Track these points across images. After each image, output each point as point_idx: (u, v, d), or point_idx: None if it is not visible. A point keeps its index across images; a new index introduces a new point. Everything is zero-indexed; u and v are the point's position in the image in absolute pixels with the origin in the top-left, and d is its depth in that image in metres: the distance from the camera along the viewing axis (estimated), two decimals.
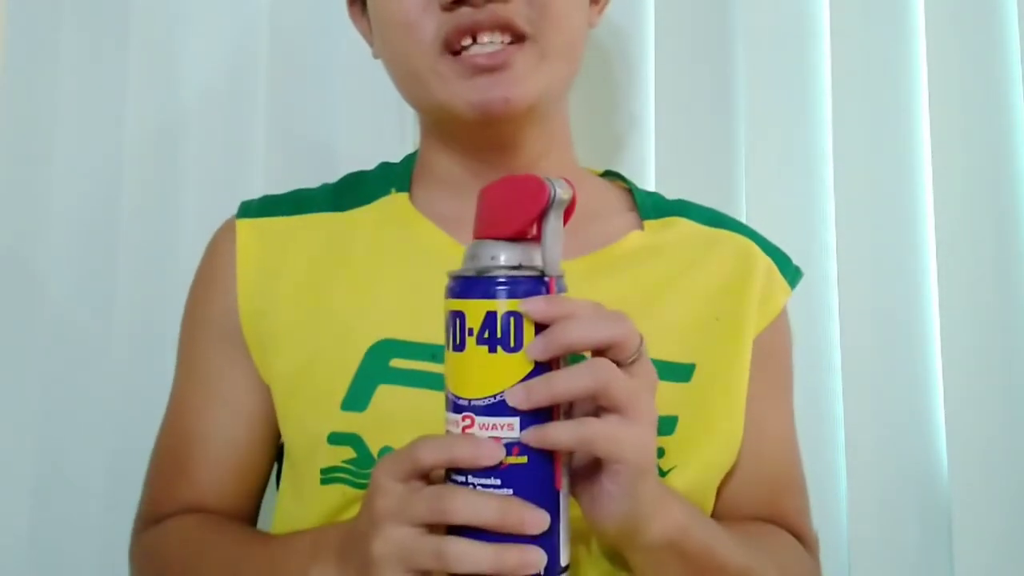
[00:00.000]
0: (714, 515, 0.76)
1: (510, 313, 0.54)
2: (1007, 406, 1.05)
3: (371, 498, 0.55)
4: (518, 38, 0.70)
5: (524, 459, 0.54)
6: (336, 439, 0.70)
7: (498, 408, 0.54)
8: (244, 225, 0.79)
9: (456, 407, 0.55)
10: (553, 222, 0.56)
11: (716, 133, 1.07)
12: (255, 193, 0.84)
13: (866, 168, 1.07)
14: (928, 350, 1.06)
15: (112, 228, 1.04)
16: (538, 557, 0.53)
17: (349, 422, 0.70)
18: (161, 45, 1.07)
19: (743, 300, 0.78)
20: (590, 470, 0.57)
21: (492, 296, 0.54)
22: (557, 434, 0.54)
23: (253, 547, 0.70)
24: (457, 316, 0.54)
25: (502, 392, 0.53)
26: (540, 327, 0.54)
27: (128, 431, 1.02)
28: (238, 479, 0.77)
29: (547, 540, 0.54)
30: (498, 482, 0.53)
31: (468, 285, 0.55)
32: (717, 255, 0.79)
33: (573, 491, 0.58)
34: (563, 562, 0.55)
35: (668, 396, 0.71)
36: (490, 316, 0.54)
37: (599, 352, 0.55)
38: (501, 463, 0.53)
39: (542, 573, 0.53)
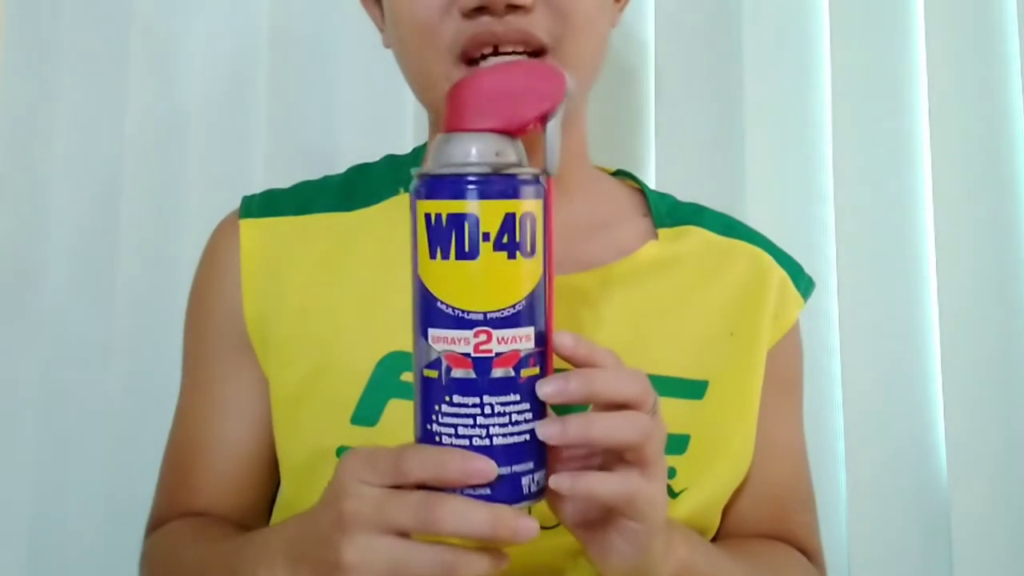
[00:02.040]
0: (722, 530, 0.76)
1: (527, 215, 0.49)
2: (1007, 414, 1.05)
3: (336, 499, 0.52)
4: (538, 51, 0.67)
5: (537, 370, 0.51)
6: None
7: (516, 318, 0.50)
8: (248, 225, 0.76)
9: (463, 323, 0.49)
10: (560, 115, 0.52)
11: (716, 141, 1.07)
12: (256, 192, 0.82)
13: (866, 177, 1.06)
14: (928, 359, 1.06)
15: (112, 228, 1.04)
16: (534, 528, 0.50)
17: (359, 437, 0.68)
18: (161, 45, 1.06)
19: (757, 314, 0.77)
20: (598, 521, 0.55)
21: (512, 196, 0.49)
22: (600, 485, 0.52)
23: (220, 546, 0.68)
24: (466, 219, 0.49)
25: (520, 301, 0.50)
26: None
27: (128, 431, 1.02)
28: (247, 488, 0.76)
29: (539, 463, 0.52)
30: (517, 398, 0.50)
31: (484, 184, 0.49)
32: (731, 268, 0.78)
33: (580, 538, 0.56)
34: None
35: (680, 414, 0.71)
36: (509, 218, 0.49)
37: (613, 406, 0.53)
38: (521, 378, 0.50)
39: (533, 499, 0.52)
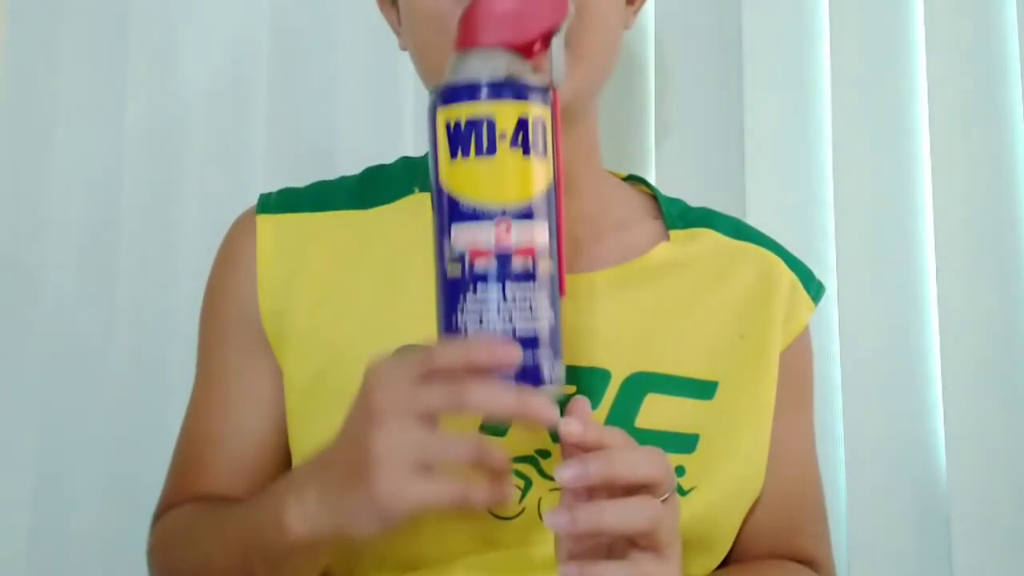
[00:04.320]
0: (737, 544, 0.76)
1: (538, 119, 0.54)
2: (1007, 418, 1.05)
3: (366, 399, 0.53)
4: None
5: (552, 264, 0.55)
6: None
7: (532, 213, 0.54)
8: (264, 221, 0.77)
9: (483, 216, 0.53)
10: (562, 34, 0.58)
11: (716, 143, 1.07)
12: (256, 193, 0.82)
13: (866, 181, 1.07)
14: (928, 363, 1.06)
15: (112, 229, 1.04)
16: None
17: None
18: (161, 45, 1.06)
19: (768, 317, 0.78)
20: None
21: (525, 99, 0.54)
22: (612, 574, 0.53)
23: (240, 502, 0.68)
24: (483, 120, 0.53)
25: (536, 197, 0.54)
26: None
27: (128, 435, 1.01)
28: (260, 478, 0.75)
29: (556, 353, 0.55)
30: (536, 288, 0.54)
31: (499, 88, 0.54)
32: (742, 270, 0.79)
33: None
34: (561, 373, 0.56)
35: (690, 413, 0.72)
36: (523, 121, 0.54)
37: (631, 488, 0.54)
38: (538, 270, 0.54)
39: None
